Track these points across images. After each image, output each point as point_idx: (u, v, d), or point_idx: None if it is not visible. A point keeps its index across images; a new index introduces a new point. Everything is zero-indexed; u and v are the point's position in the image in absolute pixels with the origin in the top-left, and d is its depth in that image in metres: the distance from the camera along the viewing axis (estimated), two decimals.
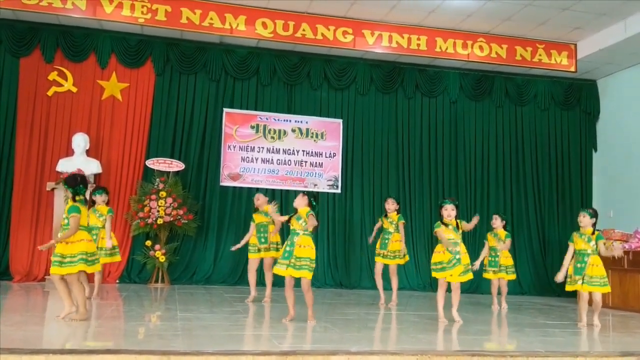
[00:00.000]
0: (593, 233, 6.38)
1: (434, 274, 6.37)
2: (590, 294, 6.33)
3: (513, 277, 8.25)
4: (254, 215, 7.63)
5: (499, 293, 8.17)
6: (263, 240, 7.47)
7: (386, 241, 7.79)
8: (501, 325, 6.61)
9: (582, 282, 6.29)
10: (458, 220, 6.31)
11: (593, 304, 6.40)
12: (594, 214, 6.45)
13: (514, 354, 4.32)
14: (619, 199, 10.67)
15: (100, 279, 7.40)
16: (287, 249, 5.70)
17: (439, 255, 6.24)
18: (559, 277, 6.54)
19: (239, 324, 5.61)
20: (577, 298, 6.58)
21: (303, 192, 5.96)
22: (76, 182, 5.42)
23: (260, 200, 7.65)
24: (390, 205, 7.88)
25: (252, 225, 7.61)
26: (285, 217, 5.94)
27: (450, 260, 6.14)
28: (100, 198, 7.17)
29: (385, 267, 7.95)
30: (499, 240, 8.02)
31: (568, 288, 6.50)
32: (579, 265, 6.38)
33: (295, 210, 5.83)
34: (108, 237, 7.08)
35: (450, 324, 6.07)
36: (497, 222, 8.09)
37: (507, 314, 7.60)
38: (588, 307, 6.41)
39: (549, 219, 11.33)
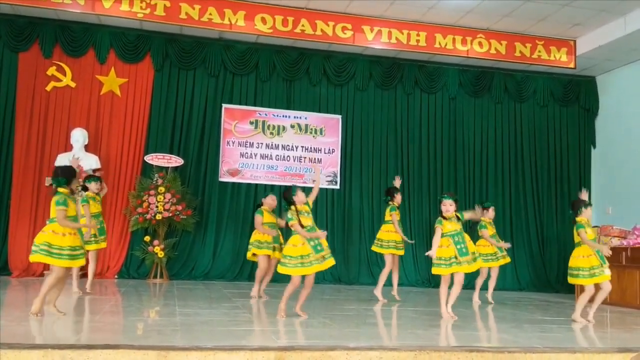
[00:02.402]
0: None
1: (434, 270, 6.26)
2: (597, 284, 6.29)
3: (507, 260, 8.27)
4: (265, 213, 7.42)
5: (484, 288, 8.20)
6: (278, 239, 7.44)
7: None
8: (499, 321, 6.61)
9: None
10: (458, 213, 6.31)
11: (602, 293, 6.30)
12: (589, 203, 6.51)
13: (512, 349, 4.33)
14: (618, 195, 10.69)
15: (94, 270, 7.36)
16: (316, 243, 5.61)
17: (442, 250, 6.13)
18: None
19: (237, 320, 5.62)
20: (580, 291, 6.50)
21: (297, 187, 5.83)
22: (56, 174, 5.37)
23: (275, 204, 7.57)
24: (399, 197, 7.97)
25: (260, 218, 7.40)
26: (303, 230, 5.66)
27: (453, 256, 6.10)
28: (94, 185, 7.20)
29: (382, 260, 8.01)
30: (492, 226, 8.09)
31: (602, 279, 6.18)
32: (599, 254, 6.25)
33: (291, 206, 5.71)
34: (88, 218, 6.91)
35: (443, 319, 6.09)
36: (492, 213, 8.16)
37: (505, 309, 7.61)
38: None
39: (547, 215, 11.35)
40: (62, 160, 9.12)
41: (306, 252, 5.58)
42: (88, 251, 5.31)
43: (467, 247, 6.15)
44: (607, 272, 6.20)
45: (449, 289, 6.28)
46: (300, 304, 5.81)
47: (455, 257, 6.10)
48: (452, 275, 6.20)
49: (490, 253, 8.06)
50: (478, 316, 6.88)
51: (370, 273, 10.48)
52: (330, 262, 5.70)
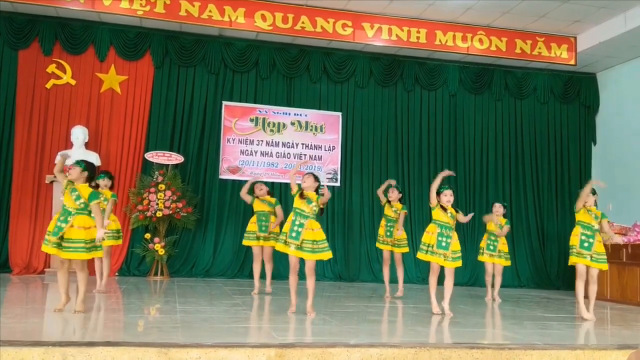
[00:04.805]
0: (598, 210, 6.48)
1: (418, 254, 6.35)
2: (588, 271, 6.34)
3: (508, 263, 8.26)
4: (256, 201, 7.56)
5: (492, 286, 8.22)
6: (263, 228, 7.46)
7: (391, 229, 7.80)
8: (499, 318, 6.62)
9: (591, 259, 6.30)
10: (456, 208, 6.33)
11: (591, 286, 6.38)
12: (595, 191, 6.52)
13: (512, 346, 4.33)
14: (618, 192, 10.66)
15: (108, 270, 7.35)
16: (295, 229, 5.63)
17: (427, 236, 6.25)
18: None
19: (238, 317, 5.62)
20: (577, 276, 6.51)
21: (312, 174, 5.88)
22: (94, 171, 5.54)
23: (263, 190, 7.65)
24: (391, 194, 7.88)
25: (250, 197, 7.59)
26: (296, 188, 5.84)
27: (431, 244, 6.14)
28: (102, 182, 7.09)
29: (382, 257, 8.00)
30: (497, 225, 8.07)
31: (575, 260, 6.38)
32: (587, 239, 6.32)
33: (301, 190, 5.78)
34: (106, 217, 6.82)
35: (442, 317, 6.09)
36: (500, 210, 8.16)
37: (505, 306, 7.61)
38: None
39: (547, 212, 11.35)
40: None
41: (284, 230, 5.78)
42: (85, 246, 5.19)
43: (450, 243, 6.15)
44: (588, 258, 6.27)
45: (440, 285, 6.31)
46: (308, 301, 5.80)
47: (432, 246, 6.15)
48: (442, 267, 6.23)
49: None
50: (478, 313, 6.89)
51: (370, 270, 10.48)
52: (321, 255, 5.69)
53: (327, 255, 5.71)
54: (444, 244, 6.13)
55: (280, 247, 5.77)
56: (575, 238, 6.43)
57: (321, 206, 5.76)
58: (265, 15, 9.52)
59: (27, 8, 9.27)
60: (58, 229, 5.20)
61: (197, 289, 8.10)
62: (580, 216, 6.44)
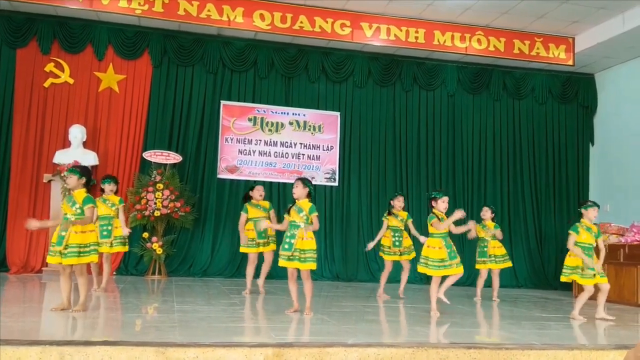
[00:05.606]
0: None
1: (420, 269, 6.25)
2: (596, 285, 6.35)
3: (507, 265, 8.26)
4: (249, 209, 7.47)
5: (489, 286, 8.23)
6: (263, 235, 7.41)
7: (400, 239, 7.73)
8: (497, 318, 6.63)
9: (600, 275, 6.29)
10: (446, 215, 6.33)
11: (602, 294, 6.38)
12: (595, 204, 6.50)
13: (509, 346, 4.33)
14: (616, 192, 10.69)
15: (109, 273, 7.33)
16: (288, 240, 5.66)
17: (434, 252, 6.09)
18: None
19: (235, 316, 5.62)
20: (577, 291, 6.54)
21: (301, 180, 5.80)
22: (90, 174, 5.51)
23: (263, 194, 7.54)
24: (397, 202, 7.82)
25: (244, 217, 7.45)
26: (284, 225, 5.82)
27: (444, 259, 6.07)
28: (108, 187, 7.08)
29: (396, 263, 7.98)
30: (487, 231, 8.09)
31: (588, 282, 6.31)
32: (589, 258, 6.30)
33: (293, 201, 5.80)
34: (124, 226, 7.04)
35: (442, 316, 6.08)
36: (487, 214, 8.18)
37: (503, 306, 7.62)
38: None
39: (545, 212, 11.36)
40: (61, 156, 9.13)
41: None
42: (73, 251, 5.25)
43: (454, 250, 6.16)
44: (598, 276, 6.27)
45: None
46: (307, 302, 5.82)
47: (445, 260, 6.08)
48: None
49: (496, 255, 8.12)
50: (476, 313, 6.89)
51: (368, 270, 10.48)
52: (306, 265, 5.67)
53: (309, 266, 5.63)
54: (452, 254, 6.12)
55: (280, 262, 5.75)
56: (576, 260, 6.35)
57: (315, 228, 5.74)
58: (264, 15, 9.52)
59: (25, 7, 9.26)
60: (60, 238, 5.21)
61: (194, 289, 8.10)
62: (580, 238, 6.33)
